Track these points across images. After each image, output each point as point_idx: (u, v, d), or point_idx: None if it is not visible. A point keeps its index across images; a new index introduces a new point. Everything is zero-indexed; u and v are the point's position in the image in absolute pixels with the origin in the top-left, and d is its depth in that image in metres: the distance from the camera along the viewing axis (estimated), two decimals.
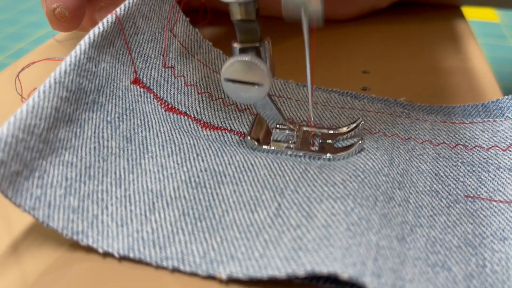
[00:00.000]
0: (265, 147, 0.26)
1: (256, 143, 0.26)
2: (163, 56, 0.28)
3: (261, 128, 0.27)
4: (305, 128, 0.28)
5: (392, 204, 0.22)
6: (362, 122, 0.27)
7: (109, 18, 0.25)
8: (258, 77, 0.24)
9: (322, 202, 0.22)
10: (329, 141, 0.27)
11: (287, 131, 0.26)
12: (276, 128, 0.26)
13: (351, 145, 0.26)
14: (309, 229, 0.21)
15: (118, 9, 0.26)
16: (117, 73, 0.25)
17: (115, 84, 0.25)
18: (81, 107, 0.23)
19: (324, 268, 0.19)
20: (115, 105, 0.25)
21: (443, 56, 0.38)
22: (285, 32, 0.38)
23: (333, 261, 0.19)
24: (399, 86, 0.34)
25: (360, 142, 0.25)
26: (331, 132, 0.27)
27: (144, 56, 0.27)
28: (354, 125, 0.27)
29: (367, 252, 0.19)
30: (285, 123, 0.26)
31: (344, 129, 0.27)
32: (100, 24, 0.25)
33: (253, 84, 0.24)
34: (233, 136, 0.27)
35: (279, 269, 0.19)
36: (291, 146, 0.26)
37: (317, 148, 0.26)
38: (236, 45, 0.24)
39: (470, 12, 1.01)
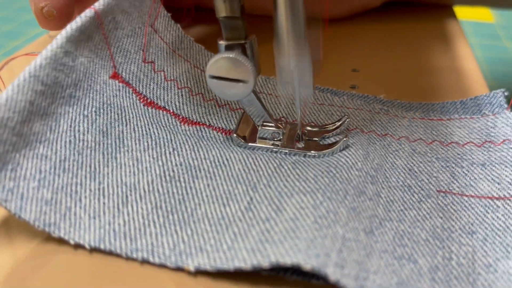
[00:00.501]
0: (251, 144, 0.26)
1: (243, 141, 0.26)
2: (143, 51, 0.28)
3: (248, 125, 0.27)
4: (291, 126, 0.28)
5: (363, 198, 0.23)
6: (347, 120, 0.28)
7: (87, 12, 0.25)
8: (242, 74, 0.24)
9: (292, 196, 0.22)
10: (315, 139, 0.27)
11: (273, 129, 0.26)
12: (262, 125, 0.27)
13: (336, 143, 0.26)
14: (277, 222, 0.21)
15: (96, 4, 0.26)
16: (96, 67, 0.26)
17: (93, 79, 0.25)
18: (57, 101, 0.23)
19: (288, 259, 0.19)
20: (93, 99, 0.25)
21: (433, 55, 0.38)
22: (270, 32, 0.39)
23: (297, 253, 0.19)
24: (388, 85, 0.34)
25: (344, 139, 0.26)
26: (317, 129, 0.28)
27: (124, 51, 0.27)
28: (339, 122, 0.28)
29: (332, 244, 0.20)
30: (271, 120, 0.26)
31: (330, 127, 0.28)
32: (78, 19, 0.25)
33: (237, 81, 0.24)
34: (211, 131, 0.27)
35: (245, 260, 0.19)
36: (277, 143, 0.26)
37: (302, 146, 0.26)
38: (222, 42, 0.24)
39: (465, 13, 1.02)
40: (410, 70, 0.36)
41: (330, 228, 0.20)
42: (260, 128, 0.27)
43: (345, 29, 0.43)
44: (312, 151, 0.26)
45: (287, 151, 0.26)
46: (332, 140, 0.27)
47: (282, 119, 0.29)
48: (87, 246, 0.21)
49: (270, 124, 0.27)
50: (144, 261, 0.20)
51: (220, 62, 0.24)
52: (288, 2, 0.22)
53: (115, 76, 0.27)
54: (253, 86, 0.24)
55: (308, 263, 0.18)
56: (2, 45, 0.82)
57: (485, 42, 0.93)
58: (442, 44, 0.40)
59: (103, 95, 0.25)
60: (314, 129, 0.28)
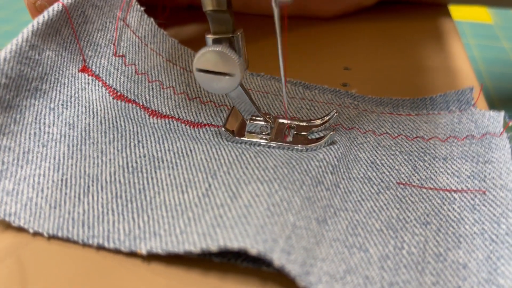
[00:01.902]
0: (239, 138, 0.27)
1: (231, 135, 0.27)
2: (114, 44, 0.29)
3: (236, 119, 0.28)
4: (280, 120, 0.28)
5: (320, 188, 0.23)
6: (336, 114, 0.28)
7: (55, 6, 0.26)
8: (229, 67, 0.24)
9: (249, 184, 0.23)
10: (303, 133, 0.27)
11: (262, 123, 0.27)
12: (251, 119, 0.27)
13: (323, 137, 0.26)
14: (231, 208, 0.21)
15: None
16: (64, 61, 0.26)
17: (61, 72, 0.26)
18: (22, 94, 0.24)
19: (235, 243, 0.19)
20: (60, 92, 0.25)
21: (426, 54, 0.38)
22: (263, 29, 0.39)
23: (246, 238, 0.19)
24: (380, 83, 0.34)
25: (331, 133, 0.26)
26: (305, 124, 0.28)
27: (94, 45, 0.28)
28: (327, 117, 0.28)
29: (282, 231, 0.20)
30: (260, 114, 0.27)
31: (318, 122, 0.28)
32: (45, 13, 0.25)
33: (224, 74, 0.24)
34: (179, 124, 0.28)
35: (195, 244, 0.20)
36: (265, 137, 0.27)
37: (291, 140, 0.27)
38: (209, 36, 0.25)
39: (463, 13, 1.02)
40: (403, 68, 0.36)
41: (281, 215, 0.21)
42: (248, 122, 0.27)
43: (339, 27, 0.43)
44: (300, 145, 0.26)
45: (275, 144, 0.26)
46: (320, 134, 0.27)
47: (271, 113, 0.29)
48: (45, 234, 0.21)
49: (259, 118, 0.27)
50: (100, 247, 0.21)
51: (207, 56, 0.24)
52: None
53: (84, 69, 0.27)
54: (240, 80, 0.24)
55: (254, 248, 0.19)
56: (2, 45, 0.83)
57: (483, 42, 0.93)
58: (435, 43, 0.40)
59: (71, 88, 0.26)
60: (302, 124, 0.28)
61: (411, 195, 0.24)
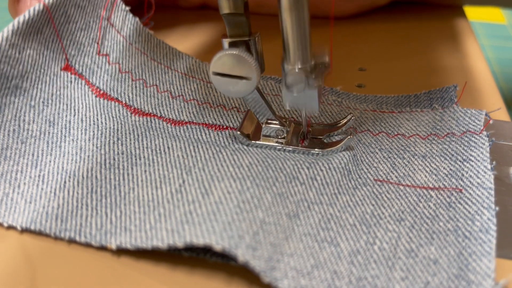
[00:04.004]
0: (254, 142, 0.26)
1: (246, 138, 0.26)
2: (97, 44, 0.29)
3: (252, 123, 0.28)
4: (295, 124, 0.28)
5: (294, 183, 0.23)
6: (353, 118, 0.27)
7: (37, 6, 0.26)
8: (245, 71, 0.23)
9: (222, 181, 0.23)
10: (319, 137, 0.27)
11: (277, 126, 0.26)
12: (266, 123, 0.26)
13: (340, 141, 0.26)
14: (202, 204, 0.21)
15: None
16: (45, 59, 0.27)
17: (42, 70, 0.26)
18: (1, 92, 0.24)
19: (201, 240, 0.19)
20: (40, 90, 0.26)
21: (441, 55, 0.38)
22: (276, 30, 0.39)
23: (212, 234, 0.20)
24: (395, 84, 0.33)
25: (348, 137, 0.26)
26: (322, 127, 0.28)
27: (77, 44, 0.28)
28: (344, 120, 0.28)
29: (249, 227, 0.20)
30: (275, 118, 0.26)
31: (335, 125, 0.28)
32: (26, 13, 0.26)
33: (241, 78, 0.24)
34: (161, 122, 0.28)
35: (163, 240, 0.20)
36: (281, 141, 0.26)
37: (307, 144, 0.27)
38: (226, 39, 0.24)
39: (476, 14, 1.01)
40: (418, 69, 0.36)
41: (251, 212, 0.21)
42: (264, 125, 0.27)
43: (353, 27, 0.42)
44: (316, 149, 0.26)
45: (291, 148, 0.26)
46: (337, 138, 0.27)
47: (287, 117, 0.29)
48: (18, 227, 0.21)
49: (275, 122, 0.26)
50: (71, 240, 0.21)
51: (223, 59, 0.23)
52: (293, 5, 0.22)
53: (67, 68, 0.28)
54: (257, 83, 0.24)
55: (219, 244, 0.19)
56: None
57: (497, 43, 0.92)
58: (450, 44, 0.39)
59: (52, 86, 0.26)
60: (318, 127, 0.28)
61: (388, 192, 0.24)
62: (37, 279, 0.20)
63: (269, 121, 0.26)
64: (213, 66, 0.24)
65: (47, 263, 0.20)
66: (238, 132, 0.26)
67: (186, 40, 0.38)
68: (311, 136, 0.27)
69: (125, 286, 0.20)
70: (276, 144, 0.26)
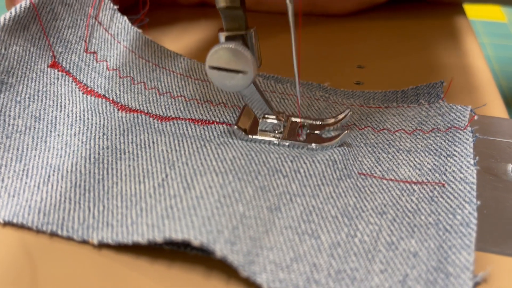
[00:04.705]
0: (251, 136, 0.26)
1: (243, 133, 0.26)
2: (85, 41, 0.29)
3: (249, 118, 0.28)
4: (293, 119, 0.28)
5: (277, 176, 0.23)
6: (350, 113, 0.27)
7: (23, 3, 0.27)
8: (242, 65, 0.23)
9: (205, 175, 0.23)
10: (316, 132, 0.27)
11: (274, 121, 0.26)
12: (263, 118, 0.26)
13: (337, 136, 0.26)
14: (183, 199, 0.22)
15: None
16: (32, 56, 0.27)
17: (29, 67, 0.26)
18: None
19: (180, 235, 0.19)
20: (27, 86, 0.26)
21: (441, 53, 0.38)
22: (275, 28, 0.38)
23: (190, 229, 0.20)
24: (394, 81, 0.33)
25: (346, 132, 0.26)
26: (319, 123, 0.28)
27: (64, 41, 0.29)
28: (341, 115, 0.28)
29: (229, 221, 0.20)
30: (273, 113, 0.26)
31: (332, 120, 0.28)
32: (12, 9, 0.26)
33: (237, 71, 0.24)
34: (148, 118, 0.28)
35: (143, 235, 0.20)
36: (278, 135, 0.27)
37: (304, 138, 0.27)
38: (222, 33, 0.24)
39: (477, 12, 1.01)
40: (417, 67, 0.36)
41: (231, 206, 0.21)
42: (261, 120, 0.27)
43: (352, 25, 0.42)
44: (313, 144, 0.26)
45: (288, 143, 0.26)
46: (333, 133, 0.27)
47: (289, 114, 0.29)
48: (1, 220, 0.22)
49: (272, 117, 0.26)
50: (53, 234, 0.21)
51: (220, 53, 0.23)
52: None
53: (54, 65, 0.28)
54: (253, 77, 0.24)
55: (198, 239, 0.19)
56: None
57: (497, 41, 0.91)
58: (450, 41, 0.39)
59: (38, 82, 0.27)
60: (315, 122, 0.28)
61: (371, 185, 0.24)
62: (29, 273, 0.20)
63: (266, 116, 0.26)
64: (209, 60, 0.24)
65: (44, 258, 0.20)
66: (235, 127, 0.26)
67: (184, 37, 0.38)
68: (308, 131, 0.27)
69: (105, 278, 0.20)
70: (273, 139, 0.26)
